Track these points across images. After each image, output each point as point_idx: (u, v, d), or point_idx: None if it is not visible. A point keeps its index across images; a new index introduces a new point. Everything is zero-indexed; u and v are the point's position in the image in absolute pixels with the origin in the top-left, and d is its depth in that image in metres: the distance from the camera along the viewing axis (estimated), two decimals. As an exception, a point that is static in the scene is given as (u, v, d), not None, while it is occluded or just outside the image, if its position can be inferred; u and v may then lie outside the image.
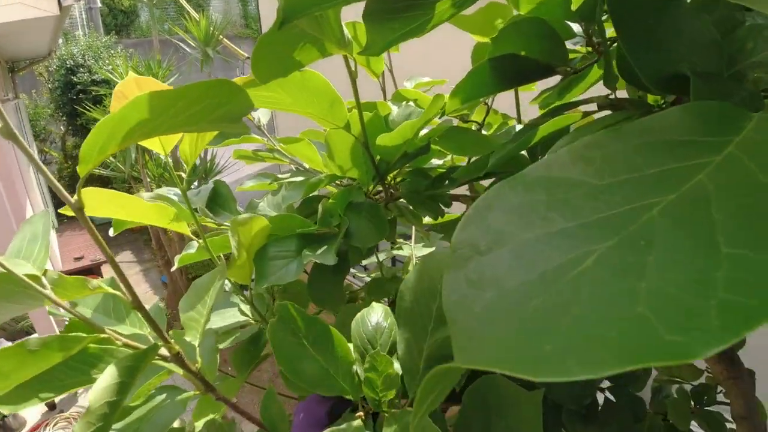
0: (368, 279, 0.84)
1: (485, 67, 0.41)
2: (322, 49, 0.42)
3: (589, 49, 0.52)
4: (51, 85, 7.33)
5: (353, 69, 0.46)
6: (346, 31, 0.44)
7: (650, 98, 0.46)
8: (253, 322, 0.67)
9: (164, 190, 0.69)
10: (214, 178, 0.78)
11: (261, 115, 0.76)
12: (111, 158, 3.65)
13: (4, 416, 3.18)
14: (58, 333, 0.46)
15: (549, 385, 0.54)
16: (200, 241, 0.58)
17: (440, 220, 0.65)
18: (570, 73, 0.48)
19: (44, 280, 0.39)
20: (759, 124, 0.20)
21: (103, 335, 0.38)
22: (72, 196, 0.36)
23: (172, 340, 0.41)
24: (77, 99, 6.57)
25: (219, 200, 0.69)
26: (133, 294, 0.41)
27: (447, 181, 0.56)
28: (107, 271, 5.47)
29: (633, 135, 0.21)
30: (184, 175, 0.58)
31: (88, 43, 6.93)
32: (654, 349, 0.12)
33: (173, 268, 0.65)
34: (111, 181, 6.22)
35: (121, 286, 0.40)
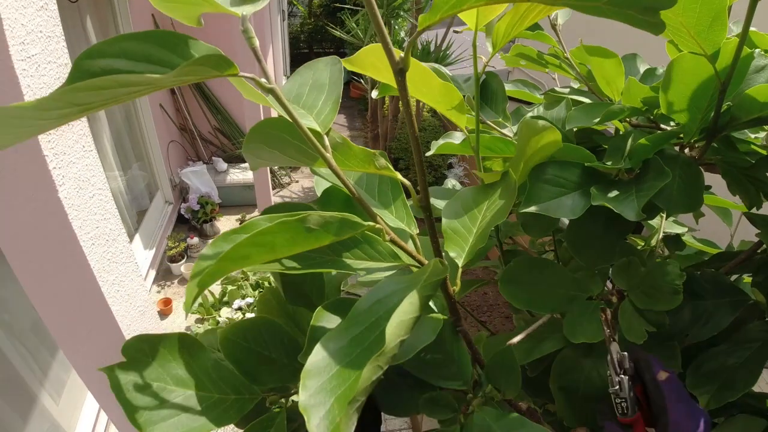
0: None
1: None
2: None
3: None
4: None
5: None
6: None
7: None
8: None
9: (434, 66, 0.64)
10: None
11: (561, 13, 0.65)
12: (354, 24, 3.81)
13: (204, 221, 3.46)
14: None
15: None
16: (467, 133, 0.53)
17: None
18: None
19: (326, 140, 0.32)
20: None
21: (377, 226, 0.33)
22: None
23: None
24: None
25: (487, 95, 0.63)
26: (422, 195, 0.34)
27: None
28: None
29: None
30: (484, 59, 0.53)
31: None
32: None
33: (430, 153, 0.61)
34: (343, 44, 6.56)
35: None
